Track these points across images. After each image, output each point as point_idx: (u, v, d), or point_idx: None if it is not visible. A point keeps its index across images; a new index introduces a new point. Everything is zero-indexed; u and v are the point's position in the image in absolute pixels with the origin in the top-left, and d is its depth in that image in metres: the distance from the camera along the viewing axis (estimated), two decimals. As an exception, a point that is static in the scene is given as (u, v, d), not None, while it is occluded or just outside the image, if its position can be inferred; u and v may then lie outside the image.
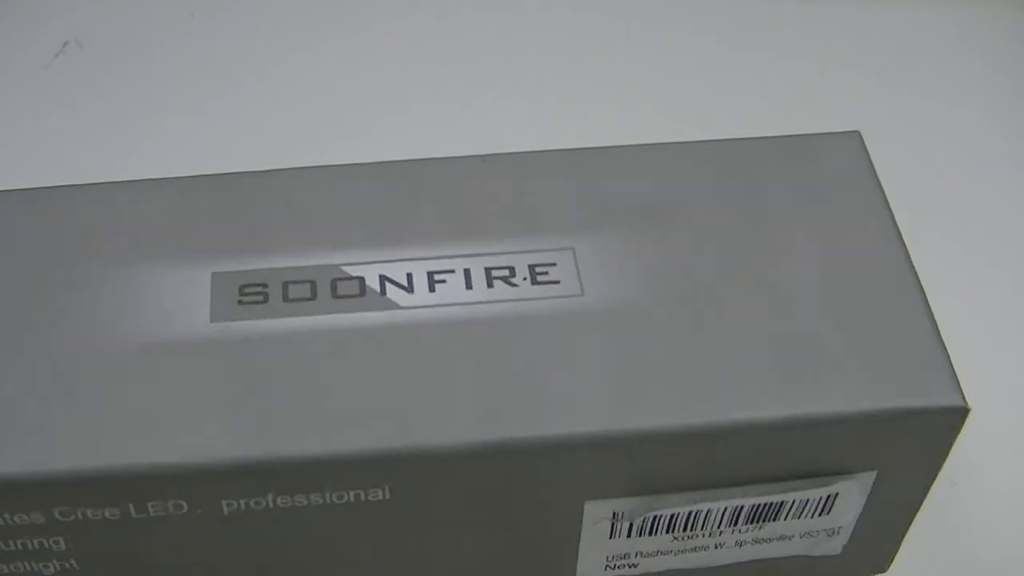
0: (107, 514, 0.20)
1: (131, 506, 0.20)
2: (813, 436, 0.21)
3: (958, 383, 0.21)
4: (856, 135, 0.24)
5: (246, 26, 0.36)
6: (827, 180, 0.23)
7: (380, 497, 0.20)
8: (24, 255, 0.22)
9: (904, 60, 0.37)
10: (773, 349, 0.21)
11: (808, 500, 0.22)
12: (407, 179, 0.23)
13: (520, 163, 0.24)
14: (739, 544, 0.23)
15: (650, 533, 0.22)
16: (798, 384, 0.21)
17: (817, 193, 0.23)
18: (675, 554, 0.23)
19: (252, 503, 0.20)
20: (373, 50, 0.35)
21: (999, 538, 0.27)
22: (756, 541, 0.23)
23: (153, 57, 0.35)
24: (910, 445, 0.21)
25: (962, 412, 0.20)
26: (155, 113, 0.34)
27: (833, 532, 0.23)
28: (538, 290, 0.22)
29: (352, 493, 0.20)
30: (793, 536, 0.23)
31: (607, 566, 0.23)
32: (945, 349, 0.21)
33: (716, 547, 0.23)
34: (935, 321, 0.21)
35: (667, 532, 0.22)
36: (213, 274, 0.22)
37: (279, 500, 0.20)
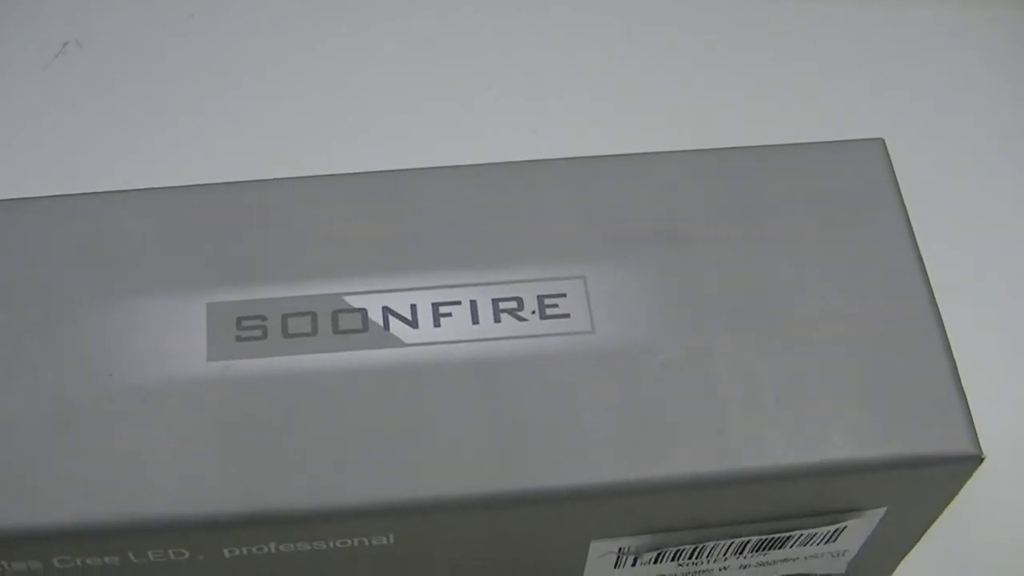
0: (106, 561, 0.19)
1: (131, 554, 0.19)
2: (824, 481, 0.20)
3: (974, 430, 0.20)
4: (879, 142, 0.23)
5: (246, 26, 0.35)
6: (848, 196, 0.22)
7: (384, 542, 0.20)
8: (11, 283, 0.21)
9: (904, 60, 0.36)
10: (786, 392, 0.20)
11: (816, 533, 0.22)
12: (410, 191, 0.22)
13: (529, 173, 0.23)
14: (743, 568, 0.23)
15: (655, 562, 0.22)
16: (810, 431, 0.20)
17: (837, 212, 0.22)
18: (679, 579, 0.23)
19: (254, 550, 0.20)
20: (373, 50, 0.34)
21: (997, 537, 0.27)
22: (761, 564, 0.23)
23: (153, 57, 0.34)
24: (922, 486, 0.21)
25: (976, 460, 0.20)
26: (155, 113, 0.33)
27: (838, 555, 0.23)
28: (547, 325, 0.21)
29: (356, 540, 0.20)
30: (798, 559, 0.23)
31: (611, 592, 0.23)
32: (963, 393, 0.21)
33: (720, 570, 0.23)
34: (955, 363, 0.21)
35: (672, 561, 0.22)
36: (208, 305, 0.21)
37: (281, 547, 0.20)
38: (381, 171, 0.23)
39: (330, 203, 0.22)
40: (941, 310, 0.22)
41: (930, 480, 0.21)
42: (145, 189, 0.22)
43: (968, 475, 0.21)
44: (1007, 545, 0.28)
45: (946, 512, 0.26)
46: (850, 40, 0.36)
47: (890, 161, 0.23)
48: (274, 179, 0.22)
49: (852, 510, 0.21)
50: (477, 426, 0.20)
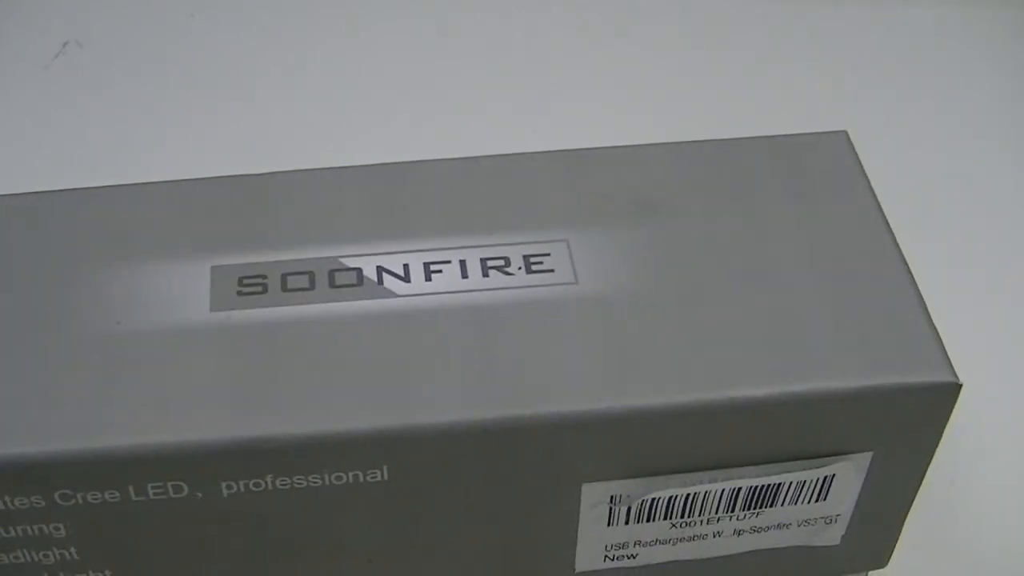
0: (107, 496, 0.20)
1: (131, 488, 0.20)
2: (807, 414, 0.21)
3: (949, 360, 0.21)
4: (843, 134, 0.25)
5: (246, 26, 0.36)
6: (816, 175, 0.24)
7: (378, 478, 0.20)
8: (30, 254, 0.22)
9: (904, 59, 0.37)
10: (766, 331, 0.21)
11: (805, 482, 0.22)
12: (405, 179, 0.24)
13: (515, 163, 0.24)
14: (737, 533, 0.23)
15: (648, 519, 0.22)
16: (791, 362, 0.21)
17: (806, 187, 0.24)
18: (674, 543, 0.23)
19: (251, 485, 0.20)
20: (373, 50, 0.35)
21: (997, 535, 0.27)
22: (754, 530, 0.23)
23: (153, 57, 0.35)
24: (904, 424, 0.21)
25: (954, 388, 0.21)
26: (155, 113, 0.34)
27: (831, 520, 0.23)
28: (533, 278, 0.22)
29: (351, 474, 0.20)
30: (791, 524, 0.23)
31: (606, 556, 0.23)
32: (935, 329, 0.21)
33: (715, 536, 0.23)
34: (925, 304, 0.22)
35: (665, 518, 0.22)
36: (212, 267, 0.22)
37: (278, 482, 0.20)
38: (379, 163, 0.24)
39: (330, 189, 0.24)
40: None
41: (912, 415, 0.21)
42: (153, 182, 0.24)
43: (948, 409, 0.21)
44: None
45: (937, 506, 0.27)
46: (850, 40, 0.37)
47: (854, 149, 0.25)
48: (275, 172, 0.24)
49: (838, 453, 0.22)
50: (466, 361, 0.21)
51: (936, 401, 0.21)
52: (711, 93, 0.36)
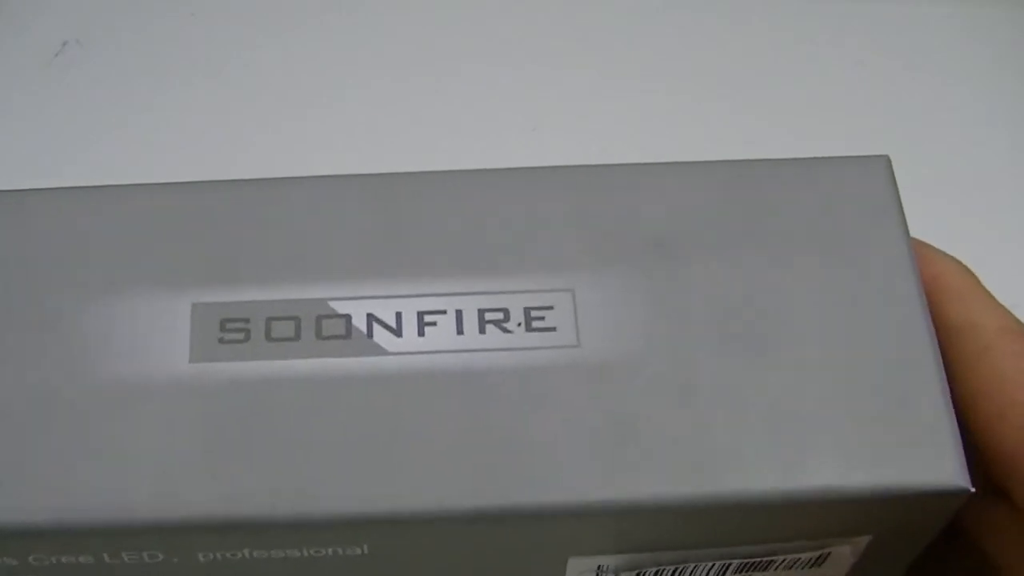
0: (81, 560, 0.20)
1: (105, 555, 0.19)
2: (808, 509, 0.20)
3: (964, 463, 0.20)
4: (884, 159, 0.23)
5: (246, 25, 0.35)
6: (848, 215, 0.22)
7: (359, 553, 0.20)
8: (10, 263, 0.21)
9: (907, 59, 0.35)
10: (773, 418, 0.20)
11: (800, 558, 0.21)
12: (402, 195, 0.22)
13: (523, 180, 0.22)
14: (727, 593, 0.22)
15: (636, 584, 0.22)
16: (795, 456, 0.20)
17: (836, 230, 0.22)
18: (661, 602, 0.22)
19: (228, 555, 0.20)
20: (373, 48, 0.34)
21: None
22: (745, 592, 0.22)
23: (153, 56, 0.35)
24: (908, 517, 0.21)
25: (963, 493, 0.20)
26: (154, 112, 0.34)
27: (824, 583, 0.23)
28: (532, 338, 0.21)
29: (330, 549, 0.20)
30: (783, 585, 0.23)
31: (591, 612, 0.23)
32: (955, 425, 0.20)
33: (703, 595, 0.22)
34: (948, 394, 0.20)
35: (654, 583, 0.22)
36: (194, 305, 0.21)
37: (255, 554, 0.20)
38: (375, 174, 0.22)
39: (324, 204, 0.22)
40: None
41: (916, 510, 0.20)
42: (136, 184, 0.22)
43: (957, 507, 0.20)
44: None
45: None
46: (852, 39, 0.35)
47: (894, 179, 0.23)
48: (267, 179, 0.22)
49: (836, 535, 0.21)
50: (455, 439, 0.20)
51: (943, 502, 0.20)
52: (713, 90, 0.34)
